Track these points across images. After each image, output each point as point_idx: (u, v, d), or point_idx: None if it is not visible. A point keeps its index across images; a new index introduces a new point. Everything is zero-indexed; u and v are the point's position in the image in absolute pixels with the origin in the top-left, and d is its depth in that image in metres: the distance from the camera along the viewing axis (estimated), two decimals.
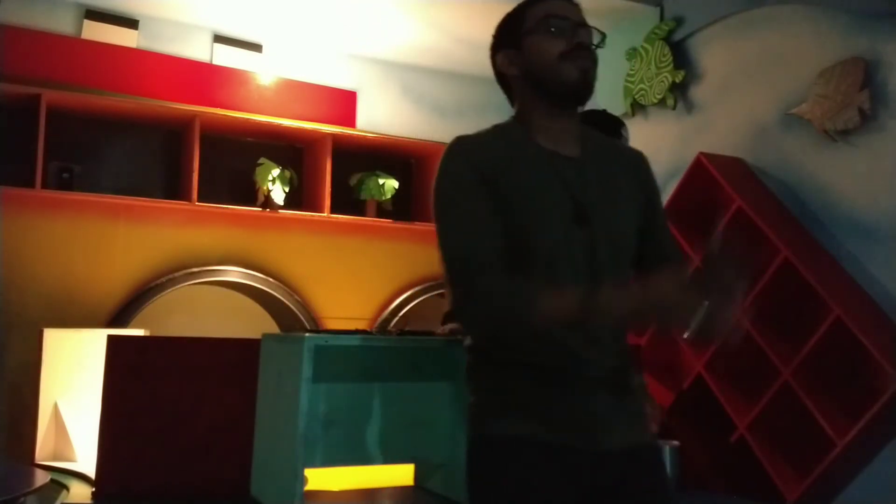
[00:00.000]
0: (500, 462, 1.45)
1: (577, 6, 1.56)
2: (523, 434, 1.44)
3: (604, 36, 1.55)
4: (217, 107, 4.64)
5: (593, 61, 1.51)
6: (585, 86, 1.51)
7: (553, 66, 1.50)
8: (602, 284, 1.43)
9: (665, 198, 3.88)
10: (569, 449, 1.43)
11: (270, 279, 4.48)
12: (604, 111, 2.62)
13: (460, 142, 1.53)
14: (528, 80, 1.55)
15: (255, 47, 4.91)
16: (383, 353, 2.24)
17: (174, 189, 4.54)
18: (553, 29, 1.51)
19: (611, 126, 2.56)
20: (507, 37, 1.59)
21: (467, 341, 1.56)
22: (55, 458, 3.65)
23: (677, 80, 4.14)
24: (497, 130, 1.58)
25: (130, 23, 4.58)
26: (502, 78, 1.63)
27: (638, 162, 1.65)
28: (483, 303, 1.41)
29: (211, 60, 4.78)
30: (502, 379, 1.48)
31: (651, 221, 1.61)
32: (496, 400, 1.48)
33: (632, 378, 1.54)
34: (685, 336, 1.35)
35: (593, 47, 1.52)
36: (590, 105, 2.61)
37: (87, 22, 4.48)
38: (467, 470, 1.49)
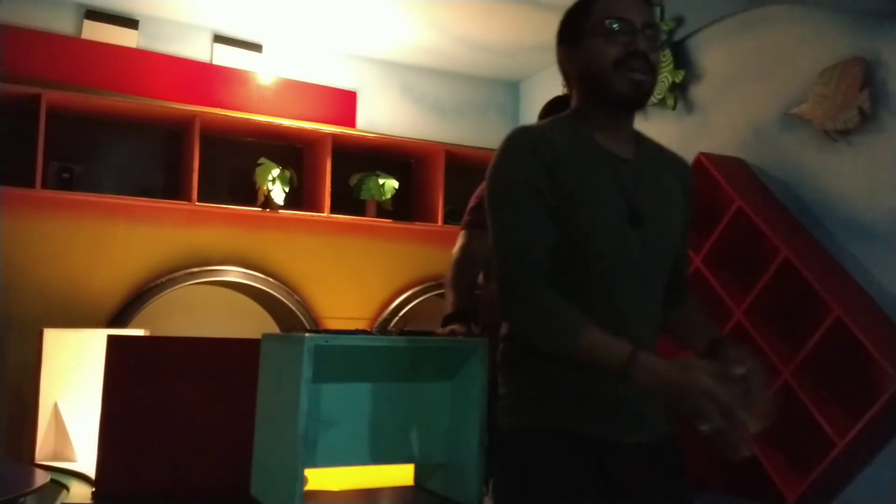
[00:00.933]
0: (535, 454, 1.46)
1: (645, 5, 1.51)
2: (560, 427, 1.45)
3: (666, 39, 1.55)
4: (217, 107, 4.64)
5: (650, 69, 1.47)
6: (638, 97, 1.49)
7: (606, 74, 1.47)
8: (648, 288, 1.50)
9: None
10: (601, 442, 1.45)
11: (270, 279, 4.48)
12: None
13: (525, 133, 1.51)
14: (583, 81, 1.53)
15: (255, 47, 4.91)
16: (383, 353, 2.23)
17: (174, 189, 4.54)
18: (611, 32, 1.46)
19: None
20: (569, 31, 1.54)
21: (503, 330, 1.56)
22: (55, 458, 3.65)
23: (677, 80, 4.14)
24: (559, 124, 1.55)
25: (130, 23, 4.58)
26: (562, 70, 1.59)
27: (686, 171, 1.66)
28: (530, 310, 1.42)
29: (211, 60, 4.78)
30: (539, 371, 1.48)
31: (682, 233, 1.63)
32: (532, 392, 1.48)
33: None
34: (702, 429, 1.38)
35: (655, 51, 1.48)
36: None
37: (87, 22, 4.48)
38: (497, 461, 1.51)
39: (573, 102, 1.59)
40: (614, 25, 1.46)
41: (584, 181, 1.46)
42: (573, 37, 1.52)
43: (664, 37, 1.54)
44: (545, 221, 1.43)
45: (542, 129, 1.52)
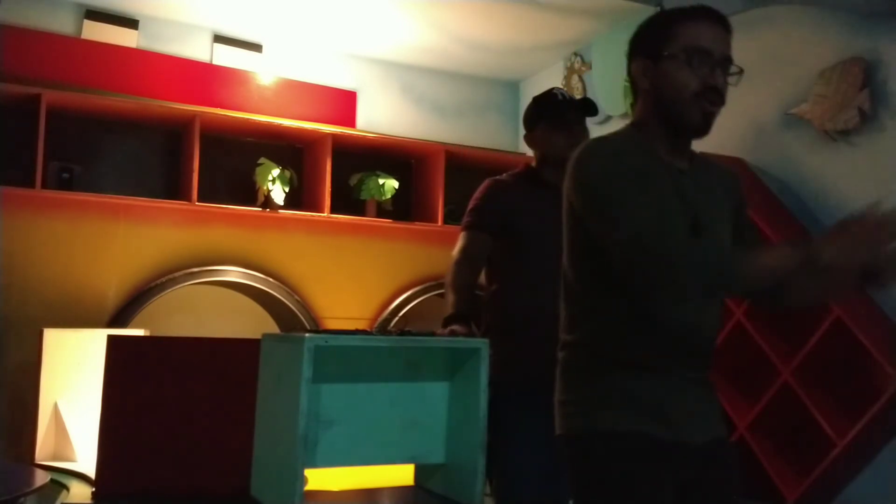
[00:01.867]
0: (612, 457, 1.50)
1: (727, 35, 1.57)
2: (631, 429, 1.50)
3: (740, 71, 1.60)
4: (217, 107, 4.64)
5: (721, 102, 1.55)
6: (705, 129, 1.57)
7: (682, 102, 1.53)
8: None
9: None
10: (671, 443, 1.50)
11: (270, 279, 4.48)
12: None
13: (603, 143, 1.60)
14: (656, 100, 1.58)
15: (255, 47, 4.91)
16: (383, 353, 2.24)
17: (174, 189, 4.54)
18: (693, 62, 1.52)
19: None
20: (648, 45, 1.58)
21: (568, 338, 1.60)
22: (55, 458, 3.65)
23: None
24: (622, 137, 1.63)
25: (130, 23, 4.58)
26: (632, 80, 1.65)
27: (734, 180, 1.78)
28: (693, 262, 1.42)
29: (211, 60, 4.78)
30: (609, 376, 1.53)
31: (738, 233, 1.71)
32: (603, 396, 1.53)
33: (709, 373, 1.64)
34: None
35: (727, 84, 1.56)
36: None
37: (87, 22, 4.48)
38: (574, 465, 1.55)
39: (635, 111, 1.65)
40: (697, 56, 1.52)
41: (651, 190, 1.53)
42: (652, 52, 1.56)
43: (736, 70, 1.57)
44: (662, 202, 1.52)
45: (613, 141, 1.62)
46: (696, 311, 1.56)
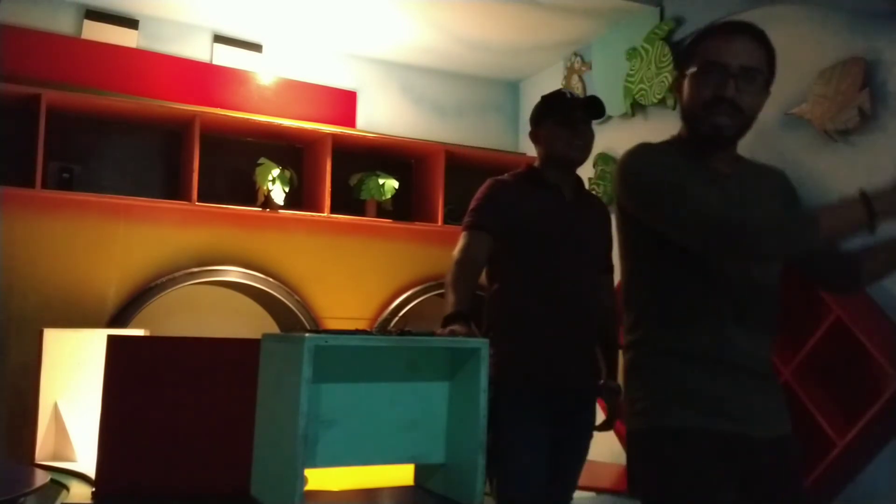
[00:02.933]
0: (677, 451, 1.54)
1: (751, 45, 1.59)
2: (698, 426, 1.53)
3: (769, 78, 1.62)
4: (217, 107, 4.64)
5: (737, 113, 1.58)
6: (718, 140, 1.62)
7: (694, 113, 1.60)
8: (754, 291, 1.61)
9: None
10: (736, 437, 1.54)
11: (270, 279, 4.48)
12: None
13: (648, 146, 1.67)
14: (682, 112, 1.67)
15: (255, 47, 4.91)
16: (383, 353, 2.24)
17: (174, 189, 4.54)
18: (707, 74, 1.57)
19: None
20: (681, 63, 1.67)
21: (631, 337, 1.66)
22: (55, 458, 3.65)
23: None
24: (665, 144, 1.70)
25: (130, 23, 4.58)
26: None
27: (781, 179, 1.81)
28: (767, 227, 1.49)
29: (211, 60, 4.78)
30: (674, 371, 1.58)
31: None
32: (670, 392, 1.57)
33: (772, 369, 1.71)
34: None
35: (749, 94, 1.58)
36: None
37: (87, 22, 4.48)
38: (640, 462, 1.60)
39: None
40: (710, 69, 1.56)
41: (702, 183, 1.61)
42: (682, 70, 1.65)
43: (760, 75, 1.59)
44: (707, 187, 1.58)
45: (656, 145, 1.69)
46: (750, 281, 1.62)
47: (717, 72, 1.56)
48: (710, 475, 1.52)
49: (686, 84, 1.62)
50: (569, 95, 2.61)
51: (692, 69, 1.60)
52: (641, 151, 1.66)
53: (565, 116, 2.54)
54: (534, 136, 2.63)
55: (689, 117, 1.63)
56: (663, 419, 1.57)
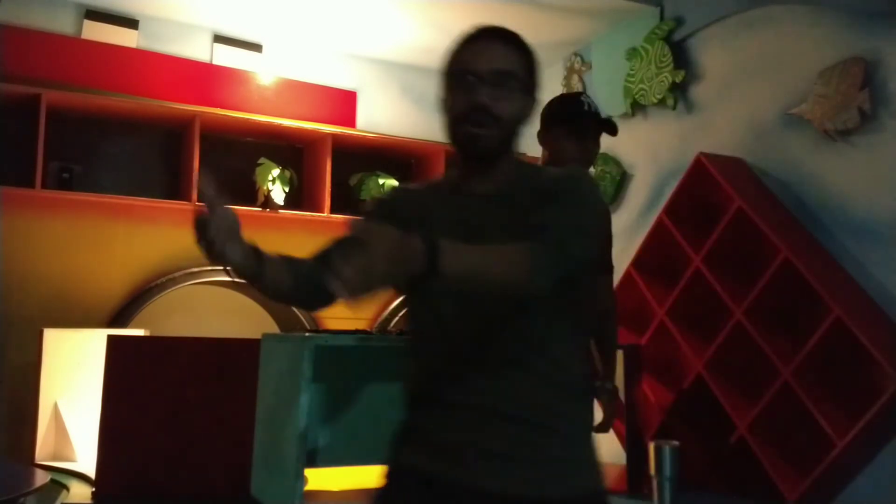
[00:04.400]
0: (385, 491, 1.44)
1: (502, 48, 1.46)
2: (407, 463, 1.42)
3: (520, 82, 1.45)
4: (217, 107, 4.64)
5: (494, 122, 1.41)
6: (475, 151, 1.45)
7: (450, 126, 1.46)
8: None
9: (665, 198, 3.89)
10: (451, 484, 1.34)
11: None
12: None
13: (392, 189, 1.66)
14: (445, 133, 1.51)
15: (255, 47, 4.91)
16: (383, 353, 2.24)
17: (174, 189, 4.54)
18: (458, 83, 1.43)
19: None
20: (442, 76, 1.50)
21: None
22: (55, 458, 3.65)
23: (677, 80, 4.14)
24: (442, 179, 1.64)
25: (130, 23, 4.58)
26: None
27: (555, 184, 1.50)
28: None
29: (211, 60, 4.78)
30: (406, 409, 1.47)
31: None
32: (398, 428, 1.48)
33: (558, 416, 1.36)
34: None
35: (504, 99, 1.42)
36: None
37: (87, 22, 4.48)
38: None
39: None
40: (458, 77, 1.43)
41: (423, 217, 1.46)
42: (441, 86, 1.49)
43: (514, 82, 1.43)
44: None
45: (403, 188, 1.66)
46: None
47: (466, 81, 1.42)
48: None
49: (444, 98, 1.47)
50: (586, 106, 2.52)
51: (448, 80, 1.46)
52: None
53: (578, 126, 2.46)
54: (541, 136, 2.56)
55: (449, 133, 1.48)
56: (389, 454, 1.47)
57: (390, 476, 1.44)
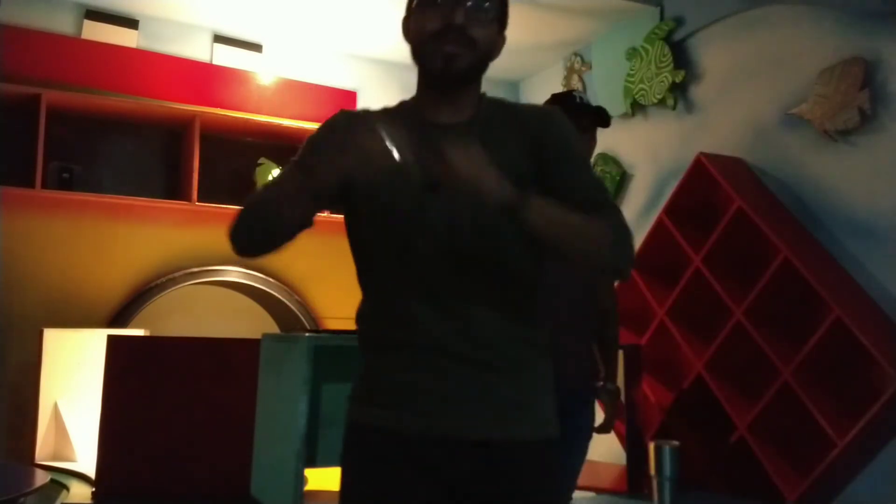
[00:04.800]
0: (351, 453, 1.39)
1: None
2: (363, 420, 1.36)
3: (500, 19, 1.42)
4: (217, 107, 4.64)
5: (469, 43, 1.37)
6: (449, 72, 1.40)
7: (422, 47, 1.42)
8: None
9: (665, 198, 3.89)
10: (426, 437, 1.30)
11: (270, 279, 4.48)
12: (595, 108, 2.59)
13: (338, 113, 1.50)
14: (412, 53, 1.47)
15: (255, 47, 4.91)
16: None
17: (174, 189, 4.54)
18: (432, 4, 1.39)
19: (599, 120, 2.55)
20: (408, 2, 1.47)
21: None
22: (55, 458, 3.65)
23: (677, 80, 4.14)
24: (395, 106, 1.53)
25: (130, 23, 4.58)
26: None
27: (536, 120, 1.48)
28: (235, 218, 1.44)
29: (211, 60, 4.78)
30: (363, 360, 1.41)
31: (556, 177, 1.43)
32: (357, 384, 1.41)
33: (516, 360, 1.35)
34: None
35: (478, 21, 1.38)
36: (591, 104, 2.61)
37: (87, 22, 4.48)
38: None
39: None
40: None
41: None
42: (408, 7, 1.46)
43: (491, 8, 1.41)
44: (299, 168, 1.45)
45: (350, 113, 1.46)
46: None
47: (443, 1, 1.37)
48: (380, 478, 1.31)
49: (413, 19, 1.43)
50: (578, 99, 2.56)
51: (418, 3, 1.42)
52: (321, 126, 1.47)
53: (574, 123, 2.48)
54: None
55: (416, 53, 1.44)
56: (348, 414, 1.40)
57: (353, 432, 1.39)
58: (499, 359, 1.33)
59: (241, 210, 1.41)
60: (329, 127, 1.45)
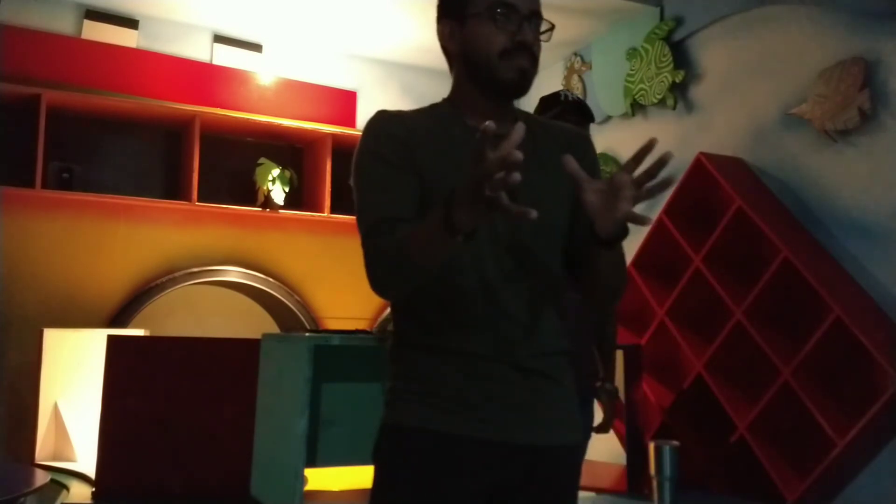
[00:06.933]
0: (401, 453, 1.39)
1: None
2: (423, 424, 1.38)
3: (551, 27, 1.47)
4: (217, 107, 4.64)
5: (533, 61, 1.44)
6: (521, 86, 1.45)
7: (491, 62, 1.44)
8: (521, 267, 1.40)
9: (665, 197, 3.89)
10: (476, 442, 1.35)
11: (270, 279, 4.48)
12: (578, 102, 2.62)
13: (381, 116, 1.54)
14: (465, 62, 1.49)
15: (255, 47, 4.91)
16: (383, 353, 2.24)
17: (174, 189, 4.54)
18: (498, 19, 1.42)
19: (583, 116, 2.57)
20: (454, 7, 1.49)
21: (392, 325, 1.54)
22: (55, 458, 3.65)
23: (677, 80, 4.14)
24: (421, 110, 1.58)
25: (130, 23, 4.58)
26: (442, 46, 1.54)
27: (577, 141, 1.55)
28: (373, 260, 1.43)
29: (211, 60, 4.78)
30: (412, 363, 1.43)
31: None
32: (404, 386, 1.43)
33: (559, 369, 1.43)
34: None
35: (538, 41, 1.45)
36: (591, 103, 2.63)
37: (87, 22, 4.48)
38: (373, 459, 1.43)
39: (453, 80, 1.55)
40: (501, 14, 1.42)
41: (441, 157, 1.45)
42: (457, 13, 1.48)
43: (547, 26, 1.48)
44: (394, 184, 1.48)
45: (398, 114, 1.55)
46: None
47: (509, 16, 1.42)
48: (436, 481, 1.35)
49: (470, 31, 1.45)
50: (562, 97, 2.59)
51: (475, 11, 1.44)
52: (366, 127, 1.50)
53: (561, 119, 2.52)
54: None
55: (480, 66, 1.45)
56: (396, 415, 1.41)
57: (398, 436, 1.41)
58: (551, 367, 1.42)
59: (385, 254, 1.42)
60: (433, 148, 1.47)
